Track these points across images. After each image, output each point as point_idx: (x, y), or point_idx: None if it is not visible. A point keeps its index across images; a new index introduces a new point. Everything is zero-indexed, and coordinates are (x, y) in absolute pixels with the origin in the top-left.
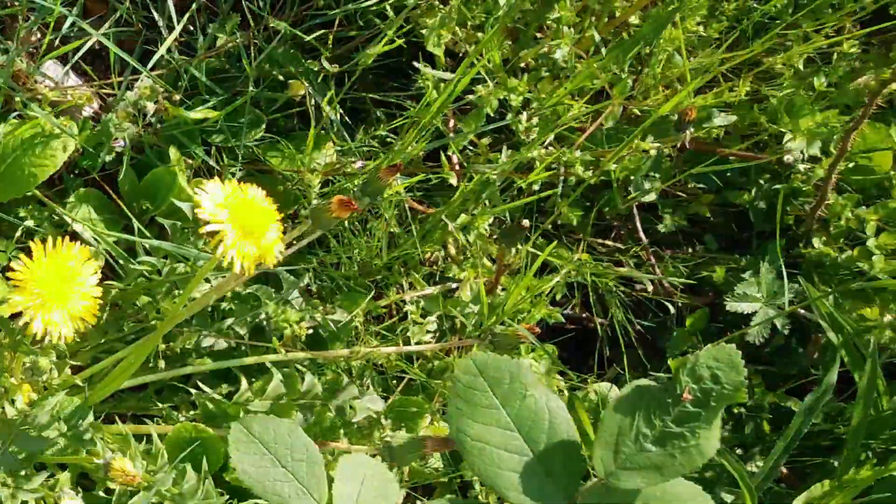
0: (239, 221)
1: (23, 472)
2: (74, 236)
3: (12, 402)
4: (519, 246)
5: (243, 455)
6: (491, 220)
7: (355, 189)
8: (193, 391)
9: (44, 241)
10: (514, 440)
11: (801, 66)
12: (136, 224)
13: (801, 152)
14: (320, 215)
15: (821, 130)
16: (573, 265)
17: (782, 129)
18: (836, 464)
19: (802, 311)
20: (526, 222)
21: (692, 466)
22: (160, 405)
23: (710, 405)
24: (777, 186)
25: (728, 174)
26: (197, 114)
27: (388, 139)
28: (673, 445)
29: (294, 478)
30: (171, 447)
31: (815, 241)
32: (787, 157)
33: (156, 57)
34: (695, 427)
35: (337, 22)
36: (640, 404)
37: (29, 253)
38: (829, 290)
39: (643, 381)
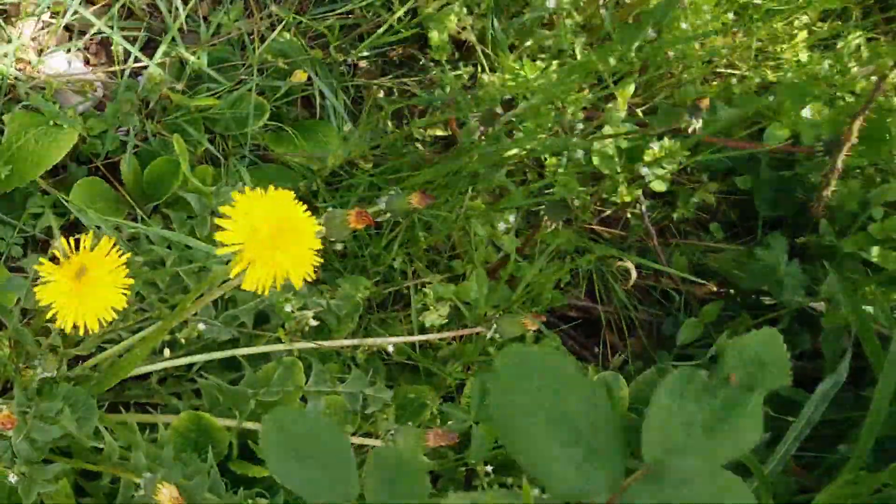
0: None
1: (36, 463)
2: (77, 225)
3: (23, 389)
4: (560, 224)
5: (275, 448)
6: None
7: (378, 200)
8: (198, 379)
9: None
10: (556, 429)
11: (804, 56)
12: (139, 213)
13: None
14: (336, 224)
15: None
16: (566, 241)
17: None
18: (842, 452)
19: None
20: (577, 201)
21: (739, 452)
22: (164, 394)
23: (755, 389)
24: (783, 173)
25: (741, 159)
26: (199, 100)
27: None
28: (720, 431)
29: (325, 471)
30: (176, 436)
31: (822, 227)
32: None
33: (161, 49)
34: (742, 412)
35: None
36: (687, 389)
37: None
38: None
39: (689, 366)
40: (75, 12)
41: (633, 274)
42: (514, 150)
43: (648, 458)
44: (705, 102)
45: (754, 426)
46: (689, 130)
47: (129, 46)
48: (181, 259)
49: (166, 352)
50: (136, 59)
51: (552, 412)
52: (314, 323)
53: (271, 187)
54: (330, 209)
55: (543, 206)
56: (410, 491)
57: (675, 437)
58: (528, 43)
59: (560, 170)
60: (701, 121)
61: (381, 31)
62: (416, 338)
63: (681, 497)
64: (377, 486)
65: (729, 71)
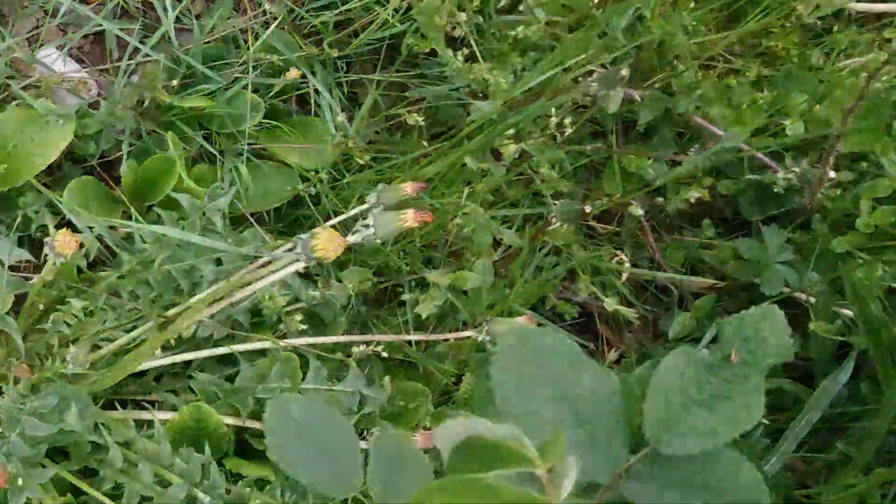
0: None
1: (33, 464)
2: (72, 223)
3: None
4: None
5: (279, 435)
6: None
7: (369, 194)
8: (196, 374)
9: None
10: (559, 411)
11: (795, 51)
12: (133, 212)
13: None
14: (389, 224)
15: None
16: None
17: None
18: (840, 450)
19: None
20: (588, 208)
21: (740, 430)
22: (161, 391)
23: (756, 367)
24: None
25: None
26: (193, 101)
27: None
28: (722, 409)
29: (329, 460)
30: (173, 433)
31: (815, 223)
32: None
33: (154, 38)
34: (743, 390)
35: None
36: (687, 369)
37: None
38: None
39: (689, 347)
40: (69, 11)
41: (625, 275)
42: (513, 147)
43: (650, 437)
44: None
45: (756, 403)
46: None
47: (126, 37)
48: (173, 259)
49: (158, 350)
50: (130, 57)
51: (554, 393)
52: (303, 327)
53: None
54: (377, 210)
55: (556, 206)
56: (413, 475)
57: (676, 417)
58: (519, 29)
59: (544, 169)
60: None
61: (373, 26)
62: (413, 336)
63: (684, 477)
64: (380, 473)
65: (725, 65)
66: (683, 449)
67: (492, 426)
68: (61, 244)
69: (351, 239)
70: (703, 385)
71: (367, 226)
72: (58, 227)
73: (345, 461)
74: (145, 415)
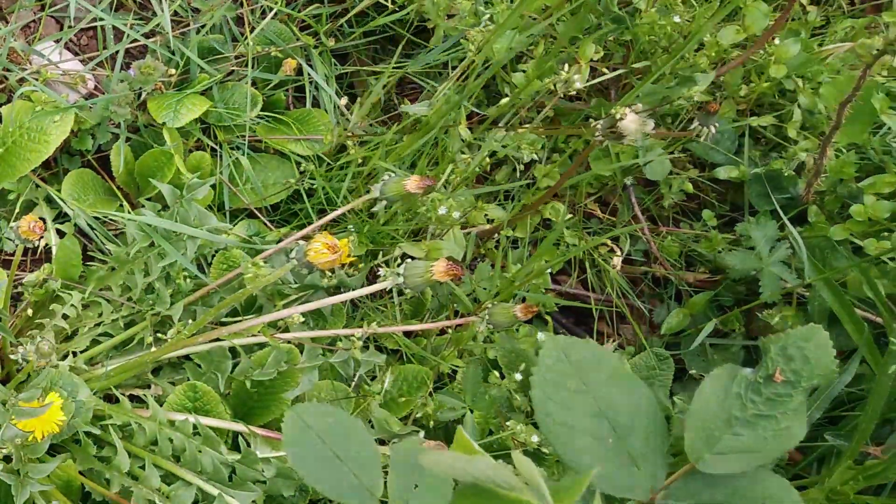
0: None
1: (35, 457)
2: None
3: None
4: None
5: (298, 445)
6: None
7: (372, 187)
8: (194, 359)
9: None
10: (601, 426)
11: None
12: (126, 205)
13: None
14: (418, 276)
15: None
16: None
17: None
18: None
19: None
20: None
21: (783, 449)
22: (159, 384)
23: (800, 386)
24: (760, 168)
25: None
26: (192, 100)
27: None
28: (764, 428)
29: (349, 470)
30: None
31: (810, 215)
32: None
33: (147, 27)
34: (786, 409)
35: None
36: (730, 386)
37: None
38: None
39: (732, 365)
40: (67, 3)
41: (618, 262)
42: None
43: (691, 455)
44: (714, 107)
45: (798, 423)
46: (703, 138)
47: (130, 32)
48: (160, 255)
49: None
50: (127, 51)
51: (594, 407)
52: (302, 319)
53: None
54: (409, 261)
55: (599, 124)
56: (434, 486)
57: (717, 435)
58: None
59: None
60: (715, 127)
61: (364, 4)
62: (413, 327)
63: (723, 496)
64: (400, 482)
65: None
66: (724, 468)
67: (494, 468)
68: (25, 229)
69: (382, 285)
70: (745, 403)
71: (397, 274)
72: (54, 219)
73: (365, 471)
74: (144, 413)
